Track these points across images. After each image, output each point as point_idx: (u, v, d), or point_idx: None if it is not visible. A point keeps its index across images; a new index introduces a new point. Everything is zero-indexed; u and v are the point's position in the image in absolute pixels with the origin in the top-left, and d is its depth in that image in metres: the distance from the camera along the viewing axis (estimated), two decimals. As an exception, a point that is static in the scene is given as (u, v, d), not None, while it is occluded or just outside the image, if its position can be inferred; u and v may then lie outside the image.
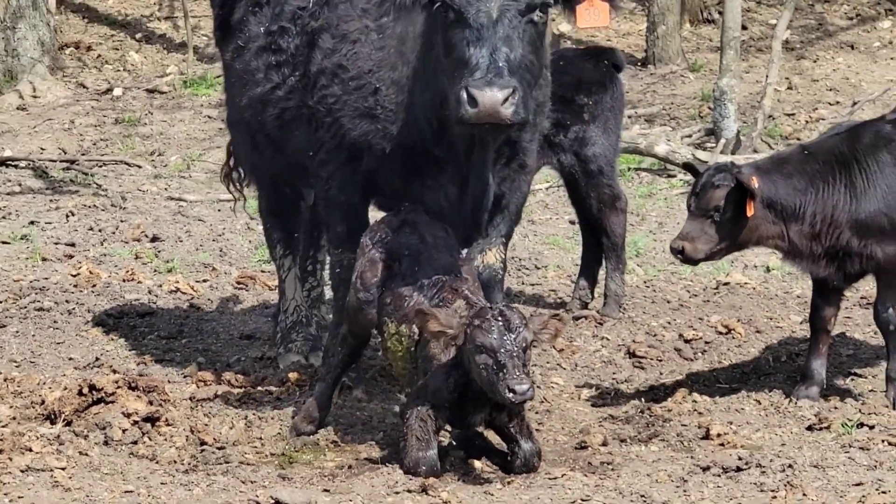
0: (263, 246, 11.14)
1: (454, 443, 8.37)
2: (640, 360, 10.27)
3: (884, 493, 7.70)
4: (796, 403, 9.19)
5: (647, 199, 15.36)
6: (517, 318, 7.80)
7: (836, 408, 9.12)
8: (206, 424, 8.74)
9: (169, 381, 9.39)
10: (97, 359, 10.12)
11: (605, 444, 8.62)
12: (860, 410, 9.06)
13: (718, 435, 8.62)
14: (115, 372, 9.52)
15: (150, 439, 8.48)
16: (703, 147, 16.80)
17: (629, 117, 18.34)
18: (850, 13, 22.20)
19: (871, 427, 8.77)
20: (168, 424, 8.60)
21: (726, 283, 11.95)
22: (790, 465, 8.09)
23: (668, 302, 11.58)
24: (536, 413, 8.87)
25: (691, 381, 9.76)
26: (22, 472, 7.94)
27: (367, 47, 8.90)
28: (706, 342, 10.59)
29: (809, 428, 8.82)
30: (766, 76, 17.46)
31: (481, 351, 7.76)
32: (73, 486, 7.80)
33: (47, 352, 10.28)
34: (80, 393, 8.76)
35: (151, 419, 8.60)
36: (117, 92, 19.94)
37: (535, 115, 8.76)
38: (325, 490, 7.83)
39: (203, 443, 8.52)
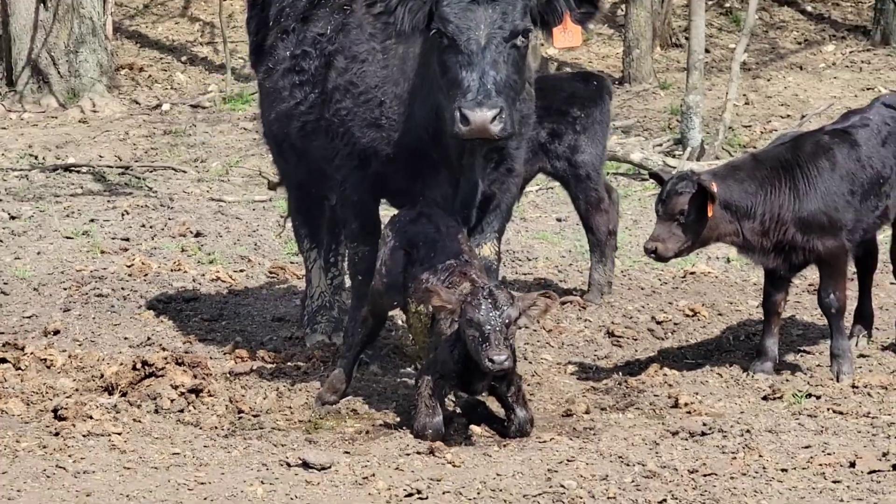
0: (292, 241, 11.12)
1: (458, 410, 8.38)
2: (618, 340, 10.27)
3: (829, 454, 7.69)
4: (753, 377, 9.18)
5: (624, 200, 15.29)
6: (504, 297, 7.80)
7: (787, 380, 9.12)
8: (243, 395, 8.75)
9: (211, 358, 9.38)
10: (149, 338, 10.11)
11: (587, 412, 8.61)
12: (808, 383, 9.05)
13: (686, 404, 8.61)
14: (164, 350, 9.52)
15: (194, 408, 8.48)
16: (672, 155, 16.79)
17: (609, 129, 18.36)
18: (799, 38, 22.17)
19: (818, 397, 8.76)
20: (210, 395, 8.60)
21: (692, 273, 11.94)
22: (748, 431, 8.08)
23: (642, 289, 11.58)
24: (529, 385, 8.86)
25: (662, 358, 9.75)
26: (84, 436, 7.96)
27: (373, 66, 8.91)
28: (675, 323, 10.58)
29: (765, 398, 8.81)
30: (727, 93, 17.46)
31: (470, 325, 7.77)
32: (128, 448, 7.81)
33: (105, 332, 10.28)
34: (134, 368, 8.77)
35: (196, 391, 8.60)
36: (165, 107, 19.94)
37: (521, 125, 8.76)
38: (346, 452, 7.84)
39: (240, 411, 8.53)
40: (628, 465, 7.59)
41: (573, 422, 8.44)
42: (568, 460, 7.63)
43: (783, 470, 7.50)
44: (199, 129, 18.72)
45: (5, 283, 11.58)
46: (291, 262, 12.23)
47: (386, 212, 9.01)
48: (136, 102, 20.16)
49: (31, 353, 9.26)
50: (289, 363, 9.42)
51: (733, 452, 7.75)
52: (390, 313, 8.94)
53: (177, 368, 8.77)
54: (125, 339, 10.13)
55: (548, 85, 11.28)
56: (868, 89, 19.55)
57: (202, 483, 7.32)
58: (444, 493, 7.25)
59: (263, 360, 9.54)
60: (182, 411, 8.44)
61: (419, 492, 7.24)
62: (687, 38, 18.19)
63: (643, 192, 15.64)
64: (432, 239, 8.33)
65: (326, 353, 9.53)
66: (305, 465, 7.56)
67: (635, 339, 10.28)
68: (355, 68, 8.95)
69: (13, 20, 19.68)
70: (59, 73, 19.79)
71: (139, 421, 8.24)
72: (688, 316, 10.75)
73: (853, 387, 8.91)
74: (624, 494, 7.20)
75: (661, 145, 17.33)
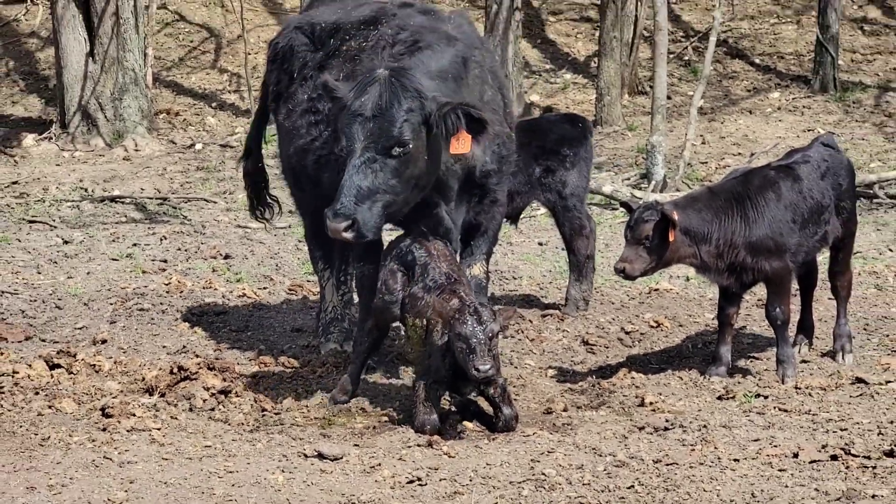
0: (309, 262, 11.12)
1: (453, 409, 8.37)
2: (592, 347, 10.26)
3: (776, 446, 7.69)
4: (709, 379, 9.17)
5: (597, 227, 15.34)
6: (487, 313, 7.80)
7: (739, 383, 9.11)
8: (266, 396, 8.73)
9: (238, 363, 9.38)
10: (184, 347, 10.10)
11: (565, 410, 8.59)
12: (757, 384, 9.04)
13: (651, 403, 8.60)
14: (197, 356, 9.52)
15: (223, 407, 8.48)
16: (638, 187, 16.80)
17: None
18: (749, 86, 22.19)
19: (766, 397, 8.75)
20: (237, 396, 8.60)
21: (656, 289, 11.94)
22: (705, 426, 8.08)
23: (613, 303, 11.58)
24: (514, 387, 8.85)
25: (630, 363, 9.74)
26: (128, 431, 7.95)
27: None
28: (641, 333, 10.57)
29: (719, 398, 8.80)
30: (686, 134, 17.48)
31: (458, 338, 7.77)
32: (166, 441, 7.81)
33: (146, 341, 10.27)
34: (171, 372, 8.77)
35: (225, 392, 8.60)
36: (198, 146, 19.94)
37: (502, 164, 8.77)
38: (356, 445, 7.83)
39: (264, 409, 8.51)
40: (601, 455, 7.60)
41: (553, 418, 8.43)
42: (548, 451, 7.64)
43: (736, 460, 7.50)
44: (228, 166, 18.70)
45: (59, 299, 11.58)
46: (308, 281, 12.23)
47: (388, 234, 9.02)
48: (173, 142, 20.16)
49: (82, 360, 9.25)
50: (306, 368, 9.41)
51: (692, 445, 7.75)
52: (393, 325, 8.94)
53: (208, 373, 8.78)
54: (163, 347, 10.13)
55: (541, 128, 11.31)
56: (809, 130, 19.58)
57: (230, 472, 7.33)
58: (440, 480, 7.25)
59: (284, 365, 9.53)
60: (213, 410, 8.44)
61: (419, 479, 7.24)
62: (651, 87, 18.22)
63: (613, 220, 15.65)
64: (425, 262, 8.32)
65: (338, 360, 9.52)
66: (320, 455, 7.56)
67: (607, 347, 10.28)
68: None
69: (66, 71, 19.70)
70: (105, 117, 19.80)
71: (176, 418, 8.24)
72: (652, 327, 10.74)
73: (796, 388, 8.91)
74: (597, 481, 7.21)
75: (629, 179, 17.35)
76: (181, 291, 11.82)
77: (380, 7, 9.49)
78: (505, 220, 10.16)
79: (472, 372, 7.72)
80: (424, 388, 8.03)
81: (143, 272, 12.82)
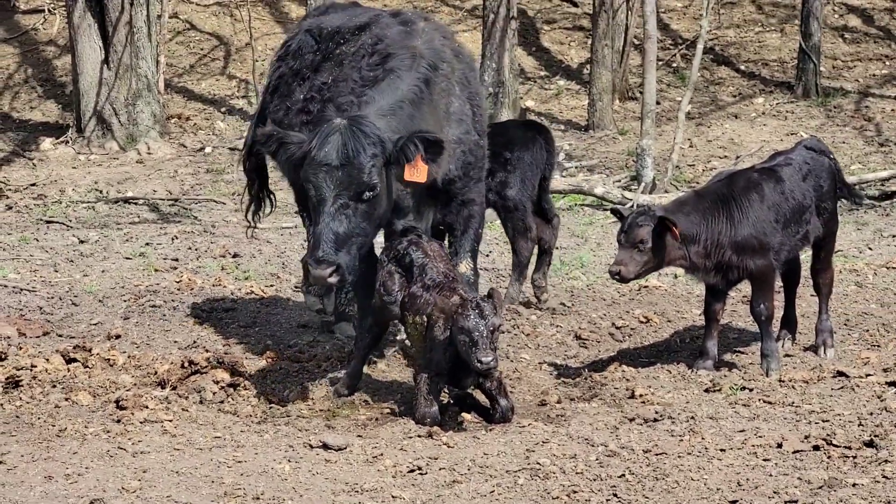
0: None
1: (452, 401, 8.37)
2: (585, 342, 10.26)
3: (760, 437, 7.70)
4: (697, 372, 9.18)
5: (589, 227, 15.36)
6: (489, 307, 7.80)
7: (725, 376, 9.11)
8: (273, 389, 8.74)
9: (246, 358, 9.37)
10: (194, 342, 10.10)
11: (559, 402, 8.60)
12: (743, 378, 9.05)
13: (640, 395, 8.61)
14: (207, 351, 9.50)
15: (232, 400, 8.48)
16: (628, 189, 16.79)
17: (577, 167, 18.36)
18: (735, 92, 22.19)
19: (751, 390, 8.76)
20: (245, 389, 8.60)
21: (646, 287, 11.94)
22: (692, 417, 8.09)
23: (604, 300, 11.58)
24: (510, 380, 8.85)
25: (621, 357, 9.75)
26: (141, 423, 7.95)
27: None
28: (632, 329, 10.58)
29: (706, 390, 8.80)
30: (674, 138, 17.47)
31: (461, 332, 7.76)
32: (178, 433, 7.80)
33: (158, 336, 10.27)
34: (183, 366, 8.77)
35: (234, 385, 8.61)
36: (208, 150, 19.93)
37: (469, 170, 8.76)
38: (359, 436, 7.83)
39: (271, 402, 8.51)
40: (593, 445, 7.60)
41: (547, 410, 8.44)
42: (543, 442, 7.64)
43: (722, 450, 7.50)
44: (236, 168, 18.69)
45: (75, 296, 11.58)
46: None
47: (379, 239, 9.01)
48: (184, 146, 20.15)
49: (97, 354, 9.25)
50: (311, 362, 9.40)
51: (680, 435, 7.75)
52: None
53: (218, 367, 8.77)
54: (175, 342, 10.12)
55: (493, 132, 11.11)
56: (792, 134, 19.57)
57: (239, 461, 7.33)
58: (440, 469, 7.25)
59: (290, 359, 9.52)
60: (222, 402, 8.44)
61: (420, 468, 7.24)
62: (641, 93, 18.21)
63: (605, 220, 15.65)
64: (423, 263, 8.32)
65: (342, 355, 9.52)
66: (325, 446, 7.56)
67: (599, 342, 10.28)
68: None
69: (82, 78, 19.69)
70: (119, 122, 19.78)
71: (187, 410, 8.24)
72: (642, 322, 10.75)
73: (780, 381, 8.91)
74: (589, 470, 7.21)
75: (619, 181, 17.34)
76: (192, 289, 11.81)
77: (374, 14, 9.50)
78: None
79: (476, 364, 7.71)
80: (425, 381, 8.03)
81: (156, 270, 12.81)
